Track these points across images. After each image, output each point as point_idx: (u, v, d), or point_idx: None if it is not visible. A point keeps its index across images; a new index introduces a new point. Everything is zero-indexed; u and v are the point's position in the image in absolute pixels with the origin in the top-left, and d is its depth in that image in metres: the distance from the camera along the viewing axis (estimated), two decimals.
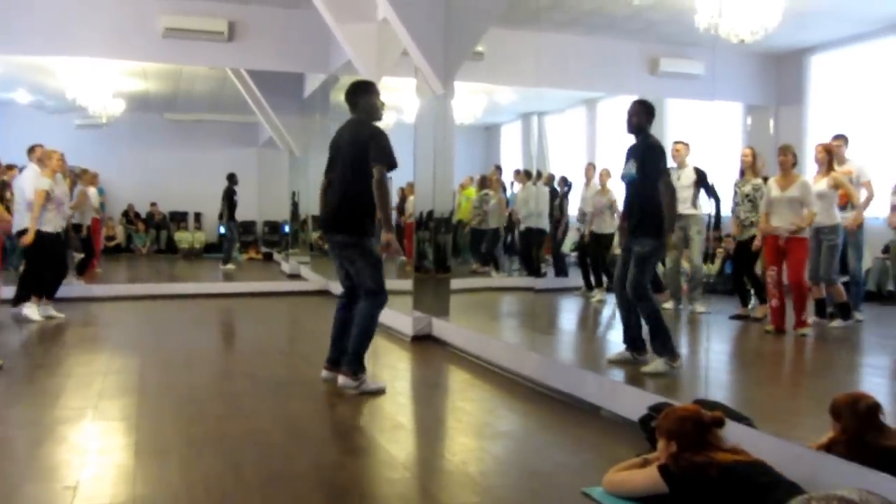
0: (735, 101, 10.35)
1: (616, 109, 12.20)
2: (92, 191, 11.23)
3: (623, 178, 5.29)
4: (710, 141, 8.38)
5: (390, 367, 5.89)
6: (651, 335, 5.09)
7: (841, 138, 6.88)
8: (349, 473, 3.48)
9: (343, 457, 3.72)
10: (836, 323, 6.69)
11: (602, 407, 4.35)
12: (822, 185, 6.56)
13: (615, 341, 6.27)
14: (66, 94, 12.64)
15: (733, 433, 3.11)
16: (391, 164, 4.68)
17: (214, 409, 4.40)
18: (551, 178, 11.02)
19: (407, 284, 7.19)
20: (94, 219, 10.89)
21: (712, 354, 6.11)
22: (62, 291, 7.99)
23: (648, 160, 5.08)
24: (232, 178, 13.57)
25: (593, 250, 9.10)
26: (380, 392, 4.71)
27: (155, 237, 17.11)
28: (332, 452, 3.78)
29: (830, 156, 6.61)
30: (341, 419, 4.38)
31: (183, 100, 15.35)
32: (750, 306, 7.39)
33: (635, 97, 11.32)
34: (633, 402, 4.03)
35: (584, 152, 11.98)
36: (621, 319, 5.39)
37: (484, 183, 11.64)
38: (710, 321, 7.49)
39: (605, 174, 8.85)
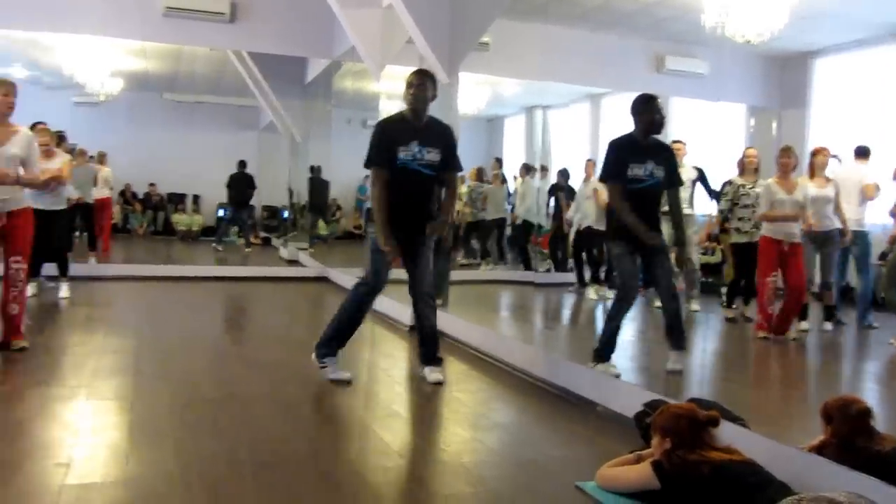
0: (739, 101, 10.33)
1: (620, 106, 12.18)
2: (107, 170, 11.34)
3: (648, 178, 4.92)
4: (712, 141, 8.37)
5: (388, 355, 5.88)
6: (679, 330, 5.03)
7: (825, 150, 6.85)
8: (343, 460, 3.47)
9: (338, 443, 3.72)
10: (828, 326, 6.72)
11: (597, 402, 4.35)
12: (828, 189, 6.56)
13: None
14: (63, 71, 12.55)
15: (727, 433, 3.12)
16: (366, 164, 4.67)
17: (209, 393, 4.39)
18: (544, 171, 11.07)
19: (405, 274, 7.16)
20: (106, 197, 11.10)
21: (708, 355, 6.12)
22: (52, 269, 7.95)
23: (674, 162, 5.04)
24: (244, 164, 13.75)
25: (588, 246, 9.09)
26: (343, 382, 4.68)
27: (152, 218, 17.05)
28: (327, 439, 3.77)
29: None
30: (337, 406, 4.38)
31: (183, 80, 15.27)
32: (734, 306, 7.38)
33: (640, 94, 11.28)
34: (629, 399, 4.04)
35: (586, 147, 11.96)
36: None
37: (480, 175, 11.63)
38: (705, 320, 7.50)
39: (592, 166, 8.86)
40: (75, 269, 8.98)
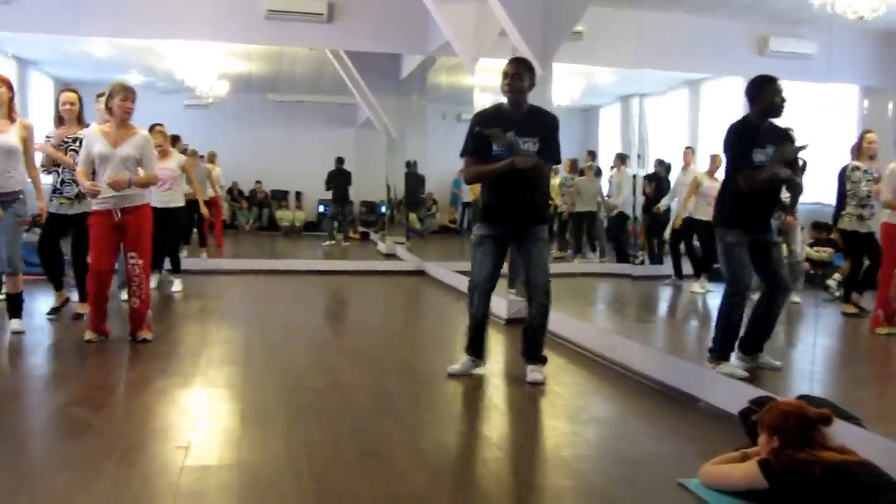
0: (851, 83, 9.85)
1: (721, 91, 11.83)
2: (217, 169, 11.91)
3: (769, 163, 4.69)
4: (821, 126, 8.01)
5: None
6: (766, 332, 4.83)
7: None
8: (444, 451, 3.54)
9: (437, 434, 3.78)
10: None
11: (700, 398, 4.27)
12: None
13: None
14: (175, 76, 13.20)
15: (841, 433, 3.00)
16: (461, 153, 4.70)
17: (314, 382, 4.55)
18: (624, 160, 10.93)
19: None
20: (217, 195, 11.78)
21: (819, 349, 5.89)
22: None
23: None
24: (342, 161, 14.16)
25: (687, 237, 8.89)
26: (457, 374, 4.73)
27: (258, 214, 17.68)
28: (427, 429, 3.84)
29: None
30: (436, 397, 4.45)
31: (284, 81, 15.74)
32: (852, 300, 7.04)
33: (741, 79, 10.91)
34: (733, 395, 3.94)
35: (685, 136, 11.67)
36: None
37: (574, 167, 11.54)
38: (814, 314, 7.22)
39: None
40: (188, 263, 9.44)
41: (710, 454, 3.14)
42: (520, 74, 4.55)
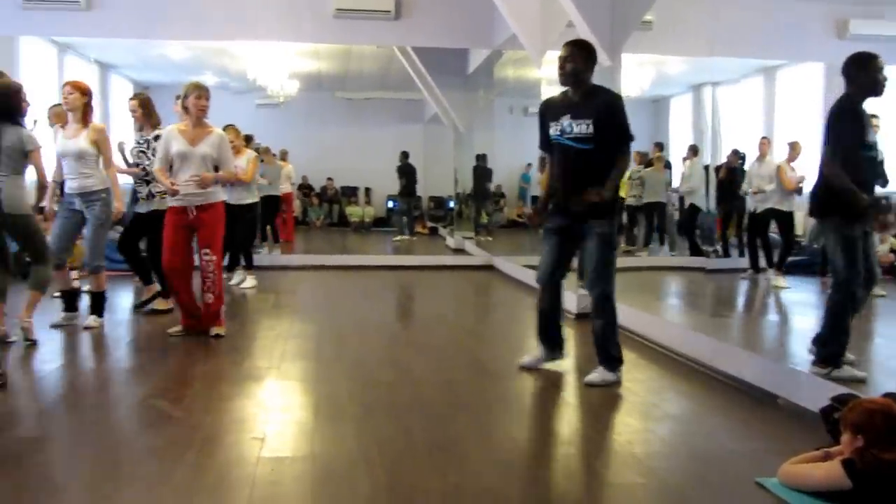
0: None
1: (798, 78, 11.45)
2: (289, 167, 12.19)
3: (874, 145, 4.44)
4: None
5: None
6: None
7: None
8: (515, 446, 3.53)
9: (508, 428, 3.78)
10: None
11: (779, 395, 4.15)
12: None
13: (797, 328, 5.97)
14: (247, 76, 13.52)
15: None
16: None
17: (384, 376, 4.60)
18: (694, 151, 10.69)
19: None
20: (289, 192, 12.09)
21: None
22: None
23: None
24: (407, 155, 14.30)
25: (764, 230, 8.66)
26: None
27: (328, 211, 17.97)
28: (498, 424, 3.84)
29: None
30: (506, 391, 4.44)
31: (353, 78, 15.94)
32: None
33: (819, 64, 10.54)
34: (814, 392, 3.81)
35: (760, 125, 11.34)
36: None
37: (643, 159, 11.36)
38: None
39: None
40: (261, 259, 9.66)
41: (790, 453, 3.05)
42: (571, 57, 4.40)
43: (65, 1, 8.79)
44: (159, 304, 6.37)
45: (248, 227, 8.30)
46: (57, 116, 6.71)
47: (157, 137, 6.17)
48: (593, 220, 4.36)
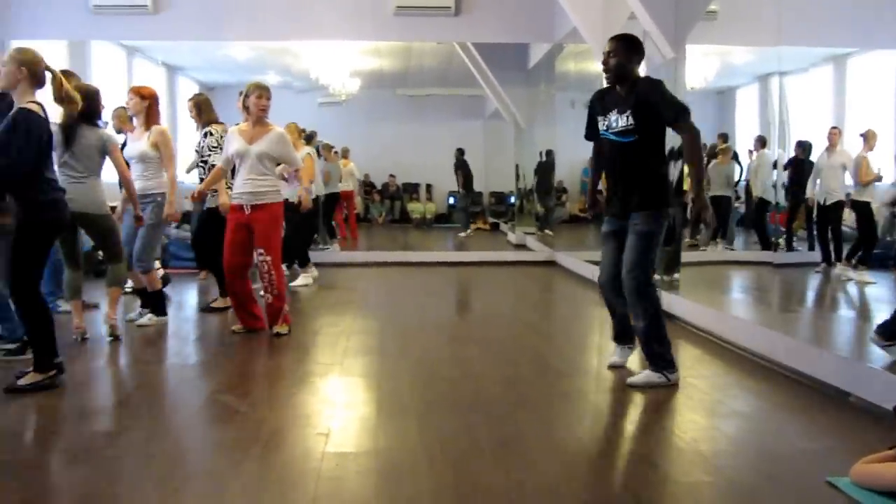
0: None
1: (870, 66, 11.04)
2: (351, 165, 12.36)
3: None
4: None
5: None
6: None
7: None
8: (579, 444, 3.51)
9: (571, 425, 3.76)
10: None
11: (851, 392, 4.03)
12: None
13: (869, 323, 5.76)
14: (309, 75, 13.71)
15: None
16: None
17: (447, 372, 4.62)
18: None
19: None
20: (351, 190, 12.44)
21: None
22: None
23: None
24: (463, 152, 14.32)
25: (835, 222, 8.39)
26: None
27: (390, 207, 18.11)
28: (560, 420, 3.82)
29: None
30: (569, 388, 4.41)
31: (413, 75, 16.00)
32: None
33: (893, 52, 10.13)
34: (888, 390, 3.69)
35: (830, 115, 10.99)
36: None
37: (709, 152, 11.13)
38: None
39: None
40: (324, 256, 9.82)
41: (863, 452, 2.96)
42: (613, 51, 4.28)
43: (133, 6, 9.08)
44: (218, 303, 6.53)
45: (299, 224, 8.38)
46: (119, 119, 6.95)
47: (206, 135, 6.36)
48: (635, 214, 4.26)
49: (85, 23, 9.24)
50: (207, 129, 6.46)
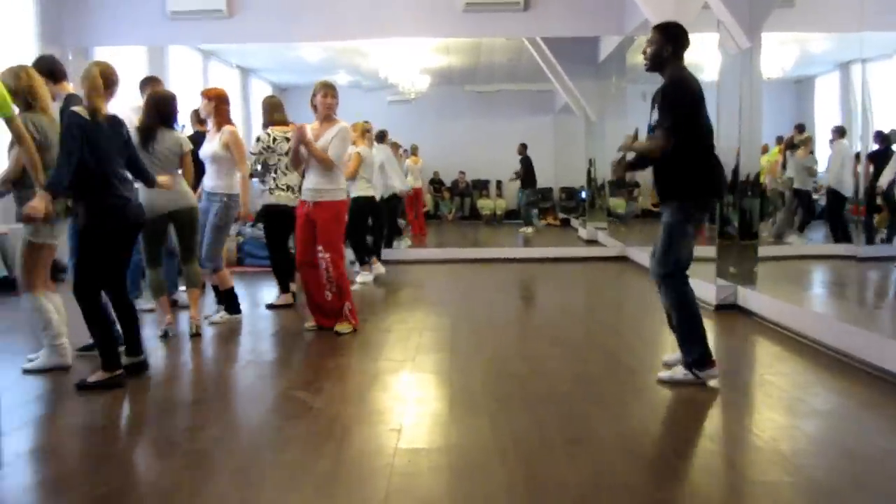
0: None
1: None
2: (420, 162, 12.47)
3: None
4: None
5: None
6: None
7: None
8: (652, 441, 3.47)
9: (645, 424, 3.71)
10: None
11: None
12: None
13: None
14: (379, 74, 13.85)
15: None
16: None
17: (518, 368, 4.61)
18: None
19: (710, 251, 6.92)
20: (419, 187, 12.51)
21: None
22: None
23: None
24: (525, 147, 14.31)
25: None
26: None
27: (459, 204, 18.16)
28: (633, 418, 3.77)
29: None
30: (642, 386, 4.35)
31: (482, 71, 16.00)
32: None
33: None
34: None
35: None
36: None
37: (789, 143, 10.82)
38: None
39: None
40: (393, 254, 9.92)
41: None
42: (651, 41, 4.23)
43: (209, 10, 9.34)
44: (279, 300, 6.68)
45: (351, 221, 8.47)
46: (194, 121, 7.20)
47: (257, 139, 6.49)
48: (662, 206, 4.25)
49: (163, 29, 9.54)
50: (268, 131, 6.59)
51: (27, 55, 6.67)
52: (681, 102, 4.10)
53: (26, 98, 4.36)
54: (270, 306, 6.65)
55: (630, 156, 4.31)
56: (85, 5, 9.29)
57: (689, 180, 4.18)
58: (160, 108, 5.38)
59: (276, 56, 13.80)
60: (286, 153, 6.27)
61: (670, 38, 4.21)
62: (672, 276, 4.23)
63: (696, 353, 4.16)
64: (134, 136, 5.02)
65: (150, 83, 6.17)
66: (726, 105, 6.67)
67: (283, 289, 6.73)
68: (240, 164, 5.94)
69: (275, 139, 6.48)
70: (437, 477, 2.98)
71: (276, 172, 6.49)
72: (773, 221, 11.35)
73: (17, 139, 4.17)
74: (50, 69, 4.85)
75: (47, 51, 7.01)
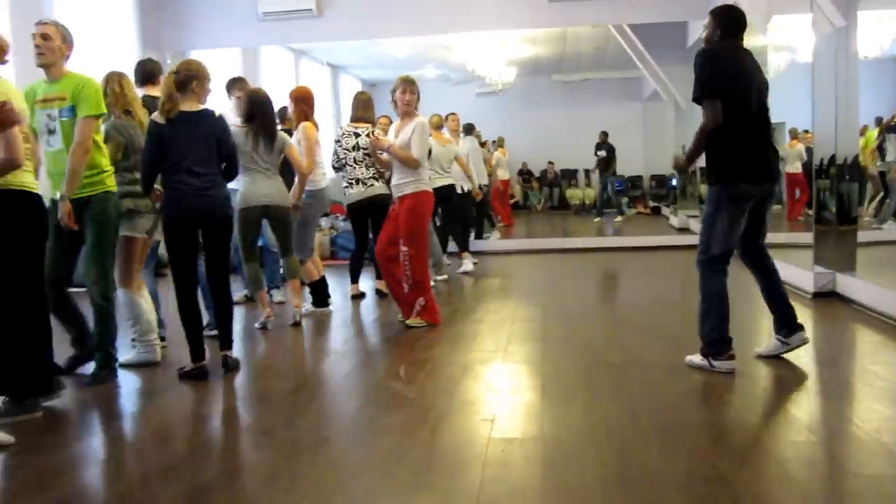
0: None
1: None
2: (505, 154, 12.51)
3: None
4: None
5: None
6: None
7: None
8: (748, 432, 3.43)
9: (741, 415, 3.67)
10: None
11: None
12: None
13: None
14: (466, 67, 13.93)
15: None
16: None
17: (612, 359, 4.60)
18: None
19: (807, 237, 6.71)
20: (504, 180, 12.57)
21: None
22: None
23: None
24: (607, 135, 14.24)
25: None
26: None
27: (549, 194, 18.09)
28: (730, 409, 3.73)
29: None
30: (738, 378, 4.24)
31: (569, 61, 15.87)
32: None
33: None
34: None
35: None
36: None
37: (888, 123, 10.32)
38: None
39: None
40: (484, 245, 9.99)
41: None
42: (704, 26, 4.26)
43: (299, 10, 9.60)
44: (351, 290, 6.87)
45: (449, 213, 8.56)
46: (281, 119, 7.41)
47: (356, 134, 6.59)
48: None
49: (255, 30, 9.88)
50: (350, 127, 6.69)
51: (129, 59, 7.07)
52: (700, 73, 4.05)
53: (118, 104, 4.62)
54: (353, 296, 6.85)
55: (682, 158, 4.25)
56: (181, 10, 9.71)
57: (719, 163, 4.11)
58: (261, 109, 5.59)
59: (365, 52, 14.05)
60: (352, 147, 6.45)
61: (720, 21, 4.17)
62: (706, 262, 4.19)
63: (716, 342, 4.13)
64: (242, 138, 5.29)
65: (236, 84, 6.42)
66: (820, 87, 6.44)
67: (353, 279, 6.90)
68: (306, 158, 6.03)
69: (344, 133, 6.61)
70: (529, 467, 3.02)
71: (345, 168, 6.58)
72: (877, 205, 10.86)
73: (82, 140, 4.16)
74: (140, 73, 5.29)
75: (147, 54, 7.37)
